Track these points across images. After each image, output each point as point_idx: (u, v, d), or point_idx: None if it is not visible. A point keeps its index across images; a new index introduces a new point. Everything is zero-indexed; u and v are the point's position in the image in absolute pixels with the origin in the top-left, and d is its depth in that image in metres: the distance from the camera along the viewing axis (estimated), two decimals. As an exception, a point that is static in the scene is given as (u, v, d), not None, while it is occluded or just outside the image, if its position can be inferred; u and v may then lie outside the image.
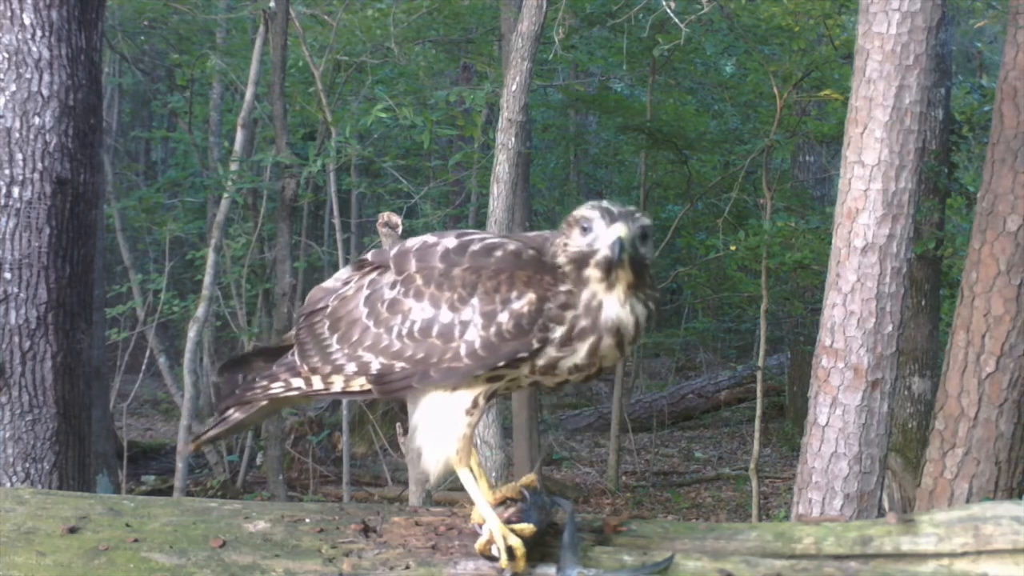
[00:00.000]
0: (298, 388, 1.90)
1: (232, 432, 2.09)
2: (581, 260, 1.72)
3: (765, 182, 9.80)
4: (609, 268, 1.70)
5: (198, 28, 12.30)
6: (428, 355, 1.75)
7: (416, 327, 1.76)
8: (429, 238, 1.85)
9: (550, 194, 16.34)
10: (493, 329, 1.71)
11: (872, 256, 4.25)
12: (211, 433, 2.02)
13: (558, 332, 1.71)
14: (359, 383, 1.84)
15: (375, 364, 1.80)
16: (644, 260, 1.74)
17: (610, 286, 1.71)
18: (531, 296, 1.71)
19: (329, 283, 1.98)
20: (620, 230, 1.69)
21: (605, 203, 1.77)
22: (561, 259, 1.74)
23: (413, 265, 1.80)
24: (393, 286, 1.81)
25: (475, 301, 1.73)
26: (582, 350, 1.72)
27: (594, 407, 14.44)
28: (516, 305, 1.71)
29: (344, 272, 1.99)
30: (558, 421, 13.77)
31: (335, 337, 1.86)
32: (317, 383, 1.88)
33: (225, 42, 12.53)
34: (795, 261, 9.31)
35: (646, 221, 1.75)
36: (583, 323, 1.71)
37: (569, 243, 1.75)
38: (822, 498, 4.35)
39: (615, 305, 1.72)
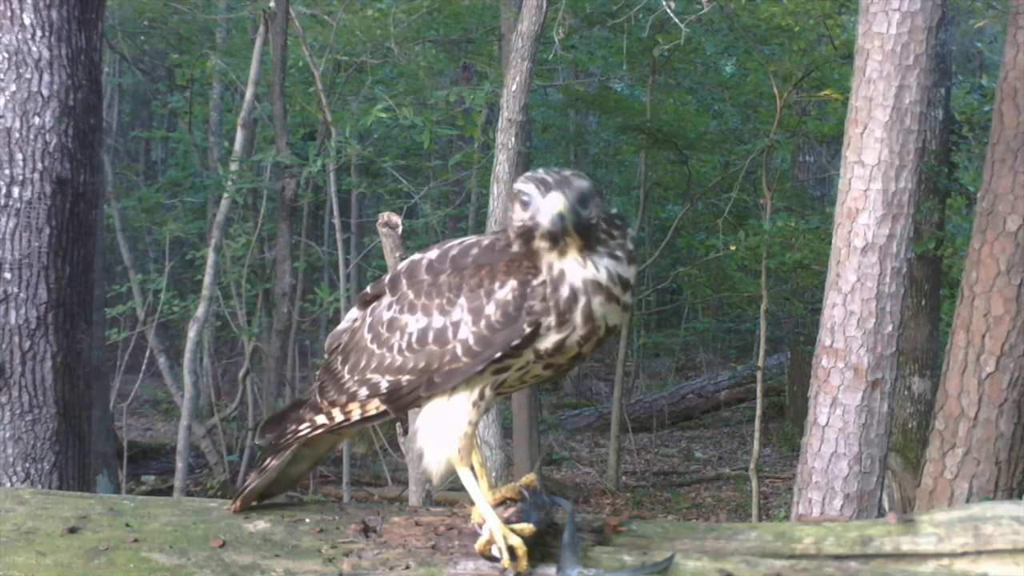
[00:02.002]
0: (323, 424, 1.94)
1: (278, 486, 2.09)
2: (527, 234, 1.74)
3: (765, 182, 9.80)
4: (555, 239, 1.72)
5: (198, 28, 12.30)
6: (429, 363, 1.79)
7: (414, 339, 1.81)
8: (415, 256, 1.91)
9: (550, 194, 16.27)
10: (483, 323, 1.74)
11: (872, 256, 4.25)
12: (252, 486, 2.01)
13: (552, 315, 1.73)
14: (374, 406, 1.88)
15: (383, 383, 1.85)
16: (589, 222, 1.74)
17: (561, 253, 1.73)
18: (512, 283, 1.74)
19: (342, 325, 2.04)
20: (557, 202, 1.70)
21: (540, 172, 1.77)
22: (511, 235, 1.77)
23: (404, 284, 1.86)
24: (390, 307, 1.87)
25: (462, 301, 1.76)
26: (577, 319, 1.73)
27: (594, 407, 14.44)
28: (500, 295, 1.74)
29: (353, 312, 2.04)
30: (558, 421, 13.76)
31: (346, 368, 1.92)
32: (338, 415, 1.92)
33: (225, 42, 12.53)
34: (795, 261, 9.31)
35: (583, 184, 1.75)
36: (564, 293, 1.72)
37: (514, 217, 1.77)
38: (822, 498, 4.35)
39: (576, 268, 1.73)
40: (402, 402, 1.84)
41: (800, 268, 9.78)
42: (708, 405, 14.20)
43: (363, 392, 1.88)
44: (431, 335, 1.78)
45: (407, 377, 1.82)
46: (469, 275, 1.78)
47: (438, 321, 1.78)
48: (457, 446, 1.82)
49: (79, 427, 4.36)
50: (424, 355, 1.79)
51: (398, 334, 1.82)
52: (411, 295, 1.83)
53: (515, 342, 1.73)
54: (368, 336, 1.88)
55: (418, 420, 1.86)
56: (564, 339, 1.75)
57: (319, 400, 1.96)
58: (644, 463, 12.35)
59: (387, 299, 1.89)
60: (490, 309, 1.74)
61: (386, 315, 1.86)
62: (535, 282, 1.73)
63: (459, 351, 1.75)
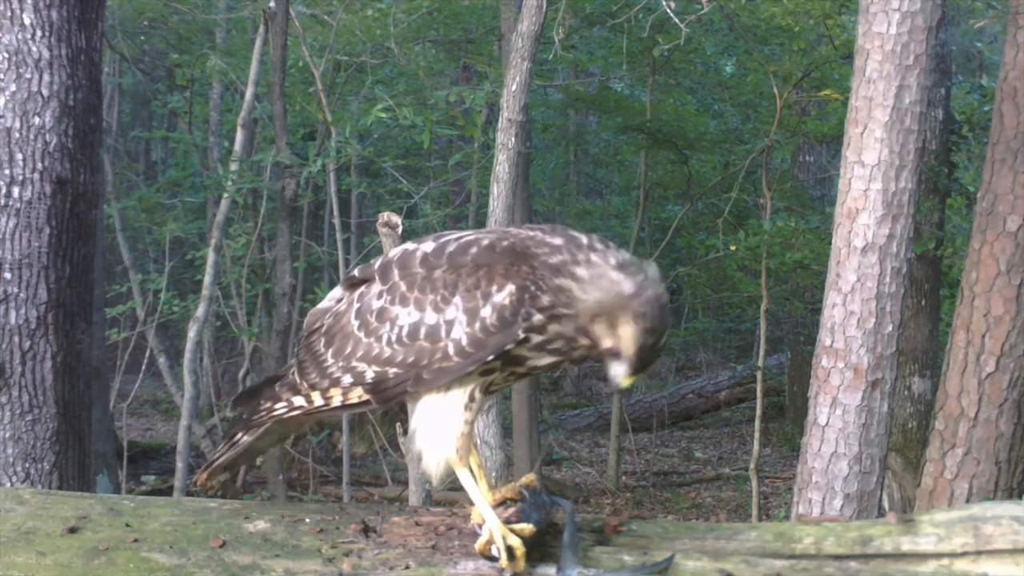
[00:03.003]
0: (300, 406, 1.92)
1: (244, 459, 2.10)
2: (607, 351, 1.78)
3: (765, 182, 9.80)
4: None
5: (198, 28, 12.30)
6: (419, 358, 1.77)
7: (404, 332, 1.79)
8: (409, 245, 1.89)
9: (550, 194, 16.34)
10: (478, 325, 1.73)
11: (872, 256, 4.25)
12: (221, 459, 2.01)
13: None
14: (357, 394, 1.86)
15: (369, 373, 1.83)
16: None
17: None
18: (511, 287, 1.73)
19: (323, 304, 2.01)
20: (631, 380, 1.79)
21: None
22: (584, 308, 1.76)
23: (396, 274, 1.83)
24: (380, 296, 1.84)
25: (457, 300, 1.75)
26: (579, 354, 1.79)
27: (594, 407, 14.44)
28: (497, 298, 1.73)
29: (336, 291, 2.01)
30: (558, 421, 13.76)
31: (330, 352, 1.89)
32: (317, 399, 1.90)
33: (225, 42, 12.53)
34: (795, 261, 9.31)
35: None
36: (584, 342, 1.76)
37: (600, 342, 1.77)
38: (822, 498, 4.35)
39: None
40: (387, 394, 1.83)
41: (800, 268, 9.78)
42: (708, 405, 14.20)
43: (347, 379, 1.86)
44: (423, 330, 1.77)
45: (394, 370, 1.80)
46: (466, 274, 1.76)
47: (431, 317, 1.76)
48: (455, 447, 1.82)
49: (79, 427, 4.36)
50: (414, 350, 1.78)
51: (388, 325, 1.81)
52: (403, 287, 1.81)
53: (508, 346, 1.73)
54: (355, 323, 1.86)
55: (415, 422, 1.86)
56: (560, 362, 1.79)
57: (298, 381, 1.94)
58: (644, 463, 12.35)
59: (377, 287, 1.86)
60: (486, 312, 1.73)
61: (376, 304, 1.83)
62: (534, 289, 1.73)
63: (451, 350, 1.75)
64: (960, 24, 11.91)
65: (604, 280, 1.71)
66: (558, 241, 1.78)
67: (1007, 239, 5.15)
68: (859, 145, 4.27)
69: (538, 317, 1.72)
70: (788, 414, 13.21)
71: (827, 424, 4.34)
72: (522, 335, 1.72)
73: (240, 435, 2.01)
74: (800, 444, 4.61)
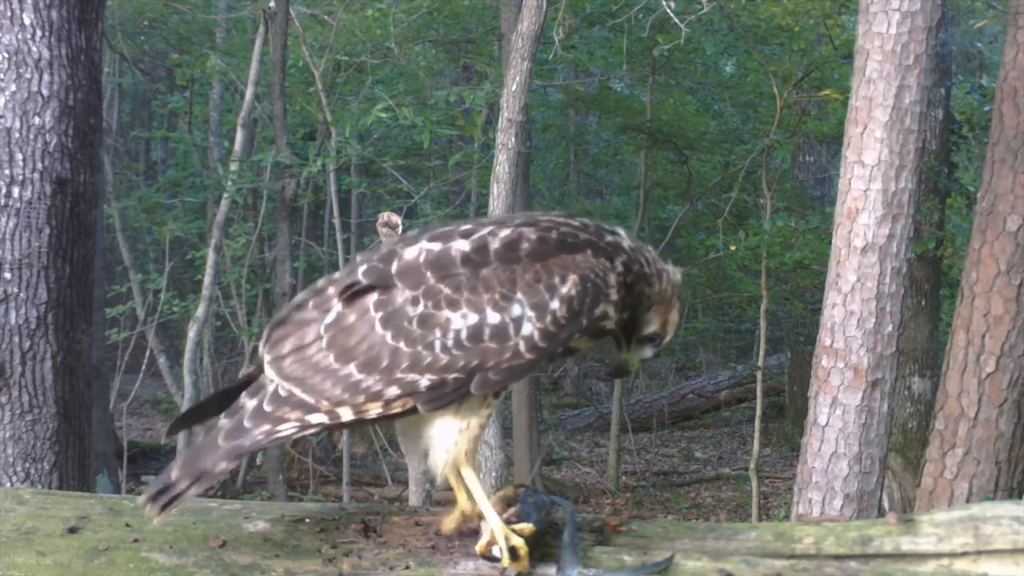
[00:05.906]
0: (319, 423, 1.81)
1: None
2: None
3: (765, 182, 9.79)
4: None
5: (198, 28, 12.31)
6: (483, 360, 1.73)
7: (463, 335, 1.73)
8: (431, 245, 1.78)
9: (550, 194, 16.35)
10: (549, 319, 1.73)
11: (872, 256, 4.24)
12: (191, 492, 1.79)
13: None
14: (401, 404, 1.79)
15: (423, 382, 1.75)
16: None
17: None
18: (574, 278, 1.74)
19: (296, 316, 1.86)
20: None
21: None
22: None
23: (431, 277, 1.76)
24: (416, 302, 1.76)
25: (520, 296, 1.73)
26: None
27: (594, 407, 14.44)
28: (564, 290, 1.73)
29: (306, 297, 1.87)
30: (558, 421, 13.76)
31: (354, 366, 1.78)
32: (347, 414, 1.79)
33: (225, 42, 12.53)
34: (795, 261, 9.32)
35: None
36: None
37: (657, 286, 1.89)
38: (822, 498, 4.35)
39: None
40: (443, 400, 1.77)
41: (800, 268, 9.79)
42: (708, 405, 14.20)
43: (392, 391, 1.76)
44: (487, 331, 1.72)
45: (454, 375, 1.74)
46: (523, 270, 1.74)
47: (493, 317, 1.72)
48: (465, 448, 1.81)
49: (79, 427, 4.36)
50: (477, 352, 1.73)
51: (438, 331, 1.73)
52: (447, 290, 1.74)
53: (576, 336, 1.75)
54: (388, 333, 1.76)
55: (426, 419, 1.84)
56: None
57: (308, 399, 1.79)
58: (644, 463, 12.35)
59: (405, 293, 1.76)
60: (555, 304, 1.72)
61: (413, 311, 1.75)
62: (594, 277, 1.75)
63: (523, 347, 1.72)
64: (960, 24, 11.90)
65: (664, 269, 1.86)
66: (585, 222, 1.86)
67: (1007, 239, 5.15)
68: (859, 145, 4.27)
69: (601, 307, 1.75)
70: (788, 414, 13.21)
71: (827, 424, 4.34)
72: (585, 323, 1.74)
73: (222, 464, 1.82)
74: (800, 444, 4.61)
